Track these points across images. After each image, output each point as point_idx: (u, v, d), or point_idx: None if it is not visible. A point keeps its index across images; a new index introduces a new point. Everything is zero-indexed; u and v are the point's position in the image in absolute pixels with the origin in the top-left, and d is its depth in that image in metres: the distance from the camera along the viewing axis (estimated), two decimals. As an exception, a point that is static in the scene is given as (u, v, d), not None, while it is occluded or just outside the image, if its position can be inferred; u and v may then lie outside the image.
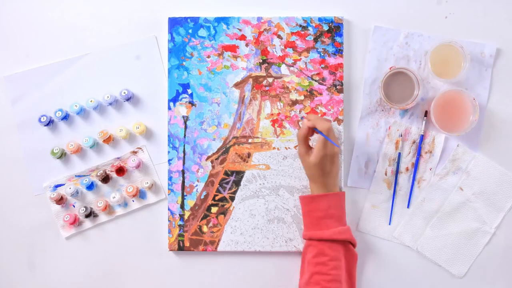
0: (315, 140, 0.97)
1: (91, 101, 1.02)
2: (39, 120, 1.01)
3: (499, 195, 1.00)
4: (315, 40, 1.02)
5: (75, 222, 1.01)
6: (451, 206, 1.00)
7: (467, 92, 0.97)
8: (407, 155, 1.01)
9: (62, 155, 1.02)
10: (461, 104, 0.99)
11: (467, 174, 1.00)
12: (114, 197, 1.00)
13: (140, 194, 1.02)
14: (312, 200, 0.93)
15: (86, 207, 1.00)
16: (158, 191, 1.02)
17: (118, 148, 1.03)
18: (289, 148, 1.01)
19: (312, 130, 0.94)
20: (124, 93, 1.01)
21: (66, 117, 1.02)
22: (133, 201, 1.02)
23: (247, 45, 1.02)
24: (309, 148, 0.94)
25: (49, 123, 1.02)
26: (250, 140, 1.01)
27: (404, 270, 1.01)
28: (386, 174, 1.01)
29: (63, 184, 1.02)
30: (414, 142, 1.01)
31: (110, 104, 1.02)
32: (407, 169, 1.01)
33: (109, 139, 1.02)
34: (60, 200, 1.01)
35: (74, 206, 1.02)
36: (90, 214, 1.01)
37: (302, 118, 1.01)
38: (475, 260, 1.00)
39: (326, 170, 0.92)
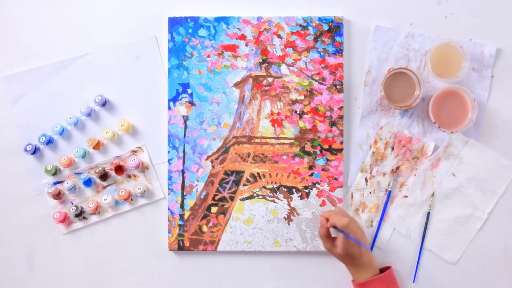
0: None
1: (83, 109, 1.02)
2: (39, 140, 1.01)
3: (492, 181, 1.00)
4: (315, 39, 1.02)
5: (65, 220, 1.00)
6: (443, 192, 1.00)
7: (467, 91, 0.97)
8: (395, 157, 1.00)
9: (57, 171, 1.02)
10: (460, 102, 0.98)
11: (460, 160, 1.00)
12: (106, 199, 1.01)
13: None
14: (366, 285, 0.92)
15: (77, 207, 1.00)
16: (152, 195, 1.02)
17: (108, 153, 1.03)
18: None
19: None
20: (98, 99, 1.01)
21: (62, 132, 1.02)
22: (131, 200, 1.02)
23: (247, 44, 1.02)
24: (333, 239, 0.94)
25: (49, 142, 1.02)
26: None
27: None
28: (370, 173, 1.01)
29: (62, 182, 1.02)
30: (403, 145, 1.00)
31: (103, 105, 1.02)
32: (392, 171, 1.00)
33: (98, 145, 1.02)
34: (58, 195, 1.00)
35: (72, 204, 1.02)
36: (80, 214, 1.01)
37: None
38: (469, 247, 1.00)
39: (355, 254, 0.92)
